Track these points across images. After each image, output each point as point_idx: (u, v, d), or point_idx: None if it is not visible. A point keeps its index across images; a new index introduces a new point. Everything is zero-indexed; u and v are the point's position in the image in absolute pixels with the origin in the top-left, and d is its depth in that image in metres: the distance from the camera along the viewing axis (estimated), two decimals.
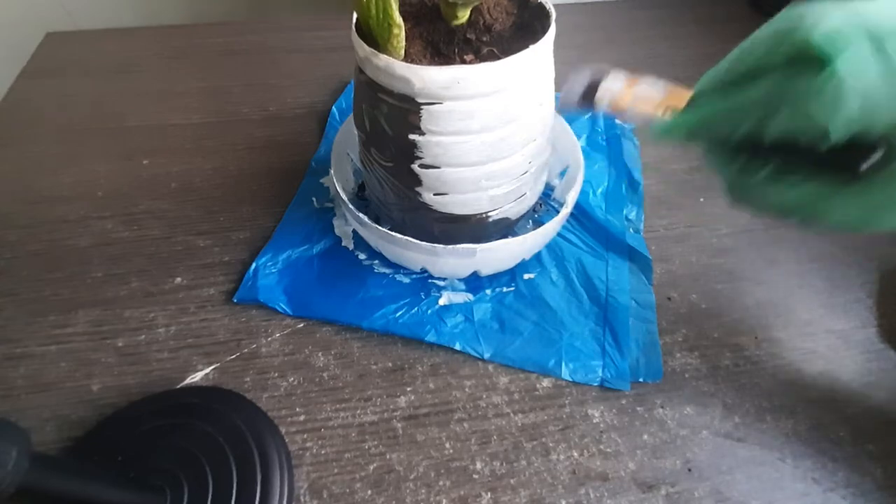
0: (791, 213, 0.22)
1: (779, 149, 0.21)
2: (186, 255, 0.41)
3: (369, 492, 0.31)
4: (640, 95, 0.27)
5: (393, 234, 0.34)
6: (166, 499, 0.28)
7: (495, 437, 0.33)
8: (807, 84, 0.19)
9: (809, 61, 0.19)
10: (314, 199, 0.45)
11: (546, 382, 0.35)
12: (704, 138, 0.24)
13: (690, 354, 0.37)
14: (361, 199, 0.42)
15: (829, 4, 0.19)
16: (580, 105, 0.31)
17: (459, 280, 0.39)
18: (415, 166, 0.31)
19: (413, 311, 0.37)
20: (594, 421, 0.33)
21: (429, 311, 0.37)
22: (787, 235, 0.44)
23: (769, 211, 0.23)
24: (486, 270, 0.38)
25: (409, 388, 0.35)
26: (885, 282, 0.40)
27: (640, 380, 0.35)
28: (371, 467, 0.31)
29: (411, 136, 0.30)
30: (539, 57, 0.30)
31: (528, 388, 0.35)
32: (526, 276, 0.40)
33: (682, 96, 0.26)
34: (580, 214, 0.44)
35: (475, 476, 0.31)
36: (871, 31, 0.18)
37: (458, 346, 0.36)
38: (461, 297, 0.38)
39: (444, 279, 0.39)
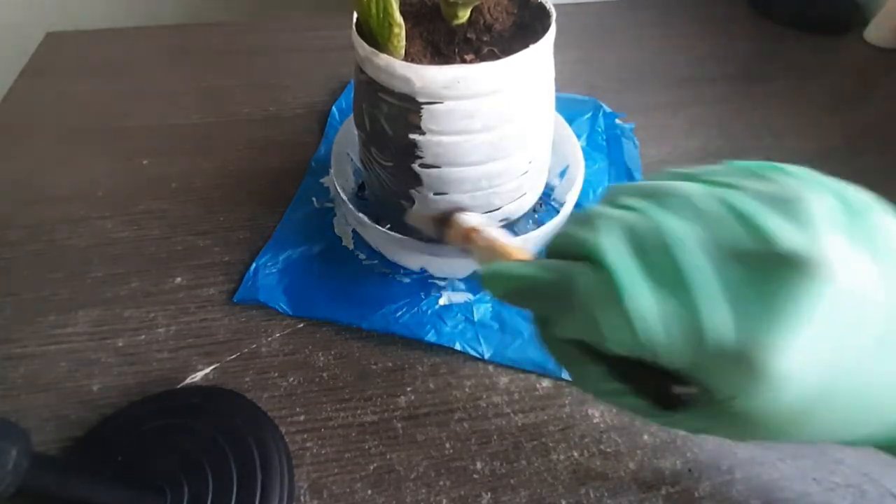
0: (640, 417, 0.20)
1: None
2: (186, 255, 0.41)
3: (369, 491, 0.30)
4: (491, 234, 0.26)
5: (393, 234, 0.34)
6: (166, 499, 0.28)
7: (495, 436, 0.33)
8: (589, 281, 0.17)
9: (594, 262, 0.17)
10: (314, 199, 0.45)
11: (546, 382, 0.35)
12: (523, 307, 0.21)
13: None
14: (361, 199, 0.42)
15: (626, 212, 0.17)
16: (431, 227, 0.30)
17: (459, 280, 0.39)
18: (415, 166, 0.31)
19: (413, 311, 0.37)
20: (594, 421, 0.33)
21: (429, 311, 0.37)
22: None
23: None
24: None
25: (409, 388, 0.35)
26: None
27: None
28: (371, 467, 0.31)
29: (411, 136, 0.30)
30: (539, 57, 0.30)
31: (528, 388, 0.35)
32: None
33: (520, 254, 0.24)
34: None
35: (475, 476, 0.31)
36: (650, 258, 0.16)
37: (458, 346, 0.36)
38: (461, 297, 0.38)
39: (444, 279, 0.39)
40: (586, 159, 0.40)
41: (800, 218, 0.15)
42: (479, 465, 0.32)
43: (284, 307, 0.38)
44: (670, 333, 0.15)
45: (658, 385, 0.18)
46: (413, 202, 0.34)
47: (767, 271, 0.14)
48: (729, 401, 0.15)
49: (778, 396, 0.14)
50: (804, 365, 0.14)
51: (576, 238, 0.18)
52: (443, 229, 0.29)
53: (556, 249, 0.19)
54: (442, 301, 0.38)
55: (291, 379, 0.35)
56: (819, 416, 0.15)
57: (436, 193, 0.33)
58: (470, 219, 0.27)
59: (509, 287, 0.20)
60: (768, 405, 0.15)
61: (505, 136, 0.31)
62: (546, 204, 0.43)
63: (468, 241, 0.26)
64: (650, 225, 0.16)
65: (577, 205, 0.43)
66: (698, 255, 0.15)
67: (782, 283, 0.14)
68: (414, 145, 0.30)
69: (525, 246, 0.24)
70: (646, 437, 0.33)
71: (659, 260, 0.16)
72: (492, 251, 0.25)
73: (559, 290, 0.18)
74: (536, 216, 0.42)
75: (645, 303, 0.16)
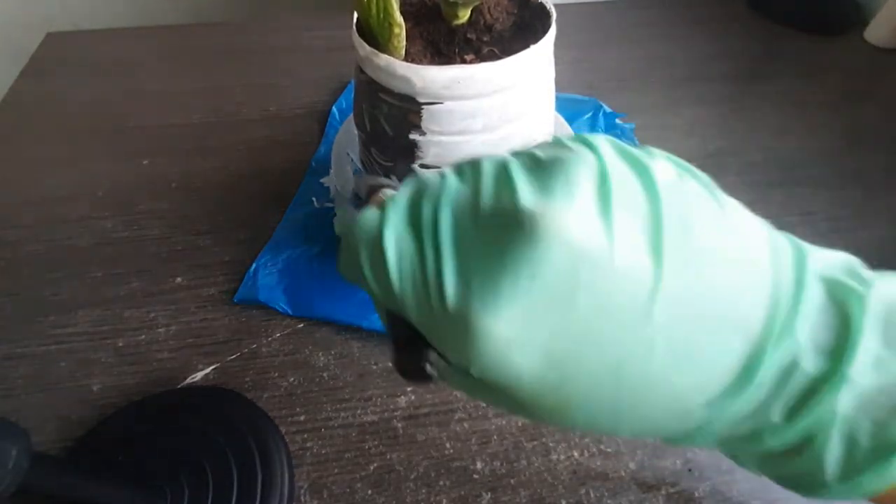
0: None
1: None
2: (186, 255, 0.41)
3: (369, 491, 0.30)
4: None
5: None
6: (166, 499, 0.28)
7: (495, 436, 0.33)
8: (370, 217, 0.17)
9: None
10: (314, 199, 0.45)
11: None
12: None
13: None
14: (361, 199, 0.42)
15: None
16: (355, 200, 0.29)
17: None
18: (415, 166, 0.31)
19: None
20: None
21: None
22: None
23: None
24: None
25: (409, 388, 0.35)
26: None
27: None
28: (371, 467, 0.31)
29: (412, 136, 0.30)
30: (539, 57, 0.30)
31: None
32: None
33: None
34: None
35: (475, 476, 0.31)
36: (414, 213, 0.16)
37: None
38: None
39: None
40: None
41: (550, 180, 0.14)
42: (479, 465, 0.32)
43: (284, 307, 0.38)
44: (406, 284, 0.15)
45: (418, 349, 0.17)
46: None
47: (497, 231, 0.14)
48: (463, 367, 0.15)
49: (503, 363, 0.14)
50: (524, 329, 0.13)
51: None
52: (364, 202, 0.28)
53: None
54: None
55: (291, 379, 0.35)
56: (569, 398, 0.14)
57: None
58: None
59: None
60: (500, 373, 0.14)
61: (505, 136, 0.31)
62: None
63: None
64: (435, 184, 0.16)
65: None
66: (447, 213, 0.15)
67: (508, 242, 0.14)
68: (414, 145, 0.30)
69: None
70: None
71: (424, 215, 0.16)
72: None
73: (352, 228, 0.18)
74: None
75: (397, 246, 0.16)
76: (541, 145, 0.17)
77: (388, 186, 0.27)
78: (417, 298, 0.15)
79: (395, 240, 0.16)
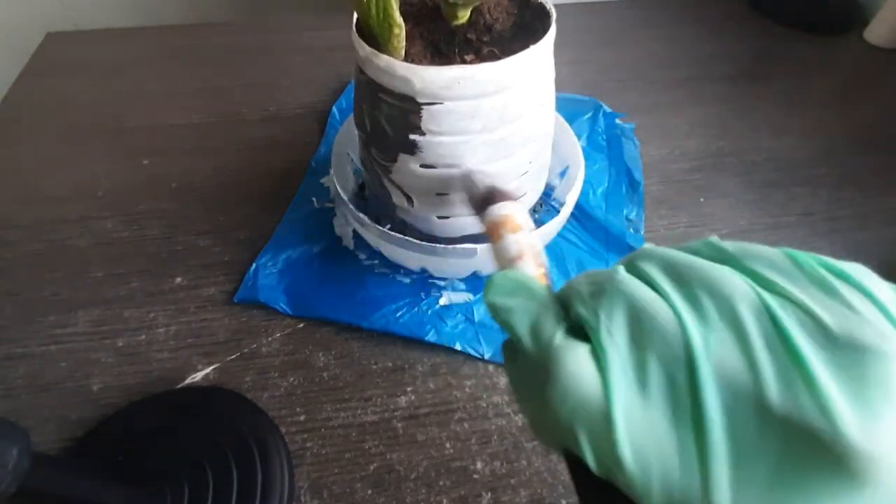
0: None
1: None
2: (186, 255, 0.41)
3: (369, 491, 0.31)
4: (525, 239, 0.23)
5: (393, 234, 0.34)
6: (166, 499, 0.28)
7: (496, 436, 0.33)
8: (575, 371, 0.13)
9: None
10: (314, 199, 0.45)
11: None
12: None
13: None
14: (361, 199, 0.42)
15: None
16: (472, 201, 0.27)
17: (459, 280, 0.39)
18: (415, 166, 0.31)
19: (413, 311, 0.37)
20: None
21: (429, 311, 0.37)
22: (788, 235, 0.44)
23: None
24: (486, 270, 0.38)
25: (409, 388, 0.35)
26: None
27: None
28: (371, 467, 0.31)
29: (412, 136, 0.30)
30: (539, 57, 0.30)
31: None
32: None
33: (541, 275, 0.21)
34: (580, 214, 0.44)
35: (475, 476, 0.31)
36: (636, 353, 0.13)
37: (458, 346, 0.36)
38: (461, 297, 0.38)
39: (444, 279, 0.39)
40: (586, 159, 0.40)
41: (867, 388, 0.10)
42: (479, 465, 0.32)
43: (284, 307, 0.38)
44: (650, 476, 0.12)
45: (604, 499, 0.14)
46: (413, 202, 0.34)
47: (796, 444, 0.11)
48: None
49: None
50: None
51: (574, 293, 0.15)
52: (483, 209, 0.27)
53: (563, 299, 0.16)
54: (442, 301, 0.38)
55: (291, 379, 0.35)
56: None
57: (436, 193, 0.33)
58: (510, 209, 0.24)
59: (496, 312, 0.17)
60: None
61: (505, 136, 0.31)
62: (546, 204, 0.43)
63: (493, 233, 0.24)
64: (671, 326, 0.12)
65: (577, 205, 0.43)
66: (712, 394, 0.12)
67: (815, 473, 0.11)
68: (414, 145, 0.30)
69: (544, 270, 0.21)
70: None
71: (677, 389, 0.12)
72: (504, 258, 0.22)
73: (536, 357, 0.15)
74: (536, 216, 0.42)
75: (629, 422, 0.12)
76: (781, 261, 0.13)
77: (509, 197, 0.25)
78: (665, 494, 0.12)
79: (625, 414, 0.12)
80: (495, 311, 0.17)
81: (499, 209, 0.24)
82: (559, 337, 0.14)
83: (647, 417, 0.12)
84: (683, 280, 0.13)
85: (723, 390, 0.12)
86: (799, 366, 0.11)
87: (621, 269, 0.14)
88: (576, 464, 0.14)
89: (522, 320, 0.16)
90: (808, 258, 0.13)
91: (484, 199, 0.26)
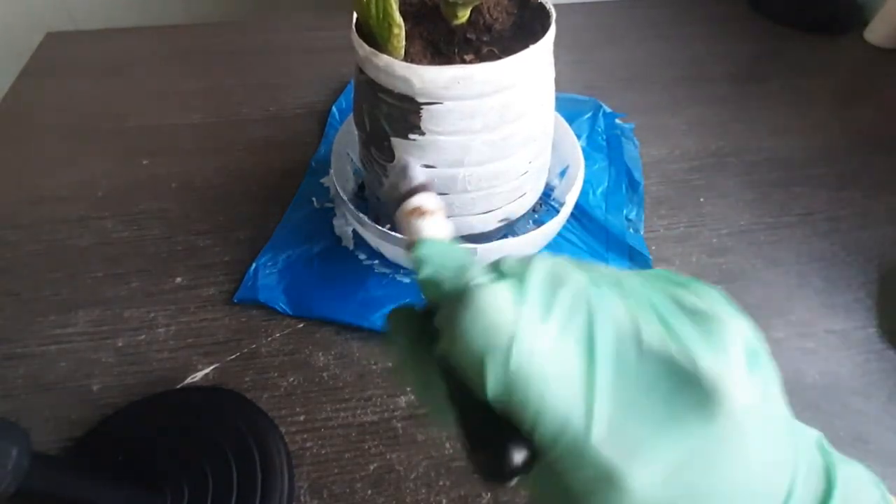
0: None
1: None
2: (186, 255, 0.41)
3: (369, 491, 0.30)
4: (434, 222, 0.23)
5: (393, 233, 0.34)
6: (166, 499, 0.28)
7: None
8: (498, 288, 0.15)
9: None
10: (314, 199, 0.45)
11: None
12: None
13: None
14: (361, 199, 0.42)
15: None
16: (392, 198, 0.28)
17: None
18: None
19: None
20: None
21: None
22: (788, 235, 0.44)
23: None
24: None
25: (409, 388, 0.35)
26: (885, 282, 0.40)
27: None
28: (371, 467, 0.31)
29: (411, 136, 0.30)
30: (539, 57, 0.30)
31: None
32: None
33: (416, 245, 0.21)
34: (580, 214, 0.44)
35: (475, 476, 0.31)
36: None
37: None
38: None
39: None
40: (586, 159, 0.40)
41: (716, 338, 0.14)
42: None
43: (284, 307, 0.38)
44: (551, 399, 0.14)
45: (493, 443, 0.15)
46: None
47: (666, 379, 0.14)
48: (577, 497, 0.14)
49: None
50: (664, 490, 0.13)
51: (503, 260, 0.17)
52: (399, 202, 0.27)
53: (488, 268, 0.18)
54: None
55: (291, 379, 0.35)
56: None
57: (436, 194, 0.33)
58: (422, 200, 0.26)
59: (423, 263, 0.18)
60: None
61: (505, 136, 0.31)
62: (546, 204, 0.43)
63: (407, 220, 0.25)
64: (581, 279, 0.15)
65: (577, 205, 0.43)
66: (608, 331, 0.14)
67: (679, 399, 0.13)
68: (414, 145, 0.30)
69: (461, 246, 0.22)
70: None
71: (577, 323, 0.14)
72: (412, 240, 0.22)
73: (456, 289, 0.16)
74: (536, 216, 0.42)
75: (541, 342, 0.14)
76: (657, 275, 0.16)
77: (426, 189, 0.26)
78: (554, 420, 0.14)
79: (530, 337, 0.14)
80: (421, 266, 0.18)
81: (412, 201, 0.25)
82: (482, 278, 0.16)
83: (548, 345, 0.14)
84: (590, 269, 0.16)
85: (612, 330, 0.14)
86: (665, 321, 0.14)
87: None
88: (465, 410, 0.16)
89: (449, 266, 0.18)
90: (680, 276, 0.17)
91: (404, 195, 0.26)
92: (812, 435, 0.16)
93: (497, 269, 0.16)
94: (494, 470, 0.15)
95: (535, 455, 0.14)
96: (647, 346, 0.14)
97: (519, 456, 0.14)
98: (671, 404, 0.13)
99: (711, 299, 0.16)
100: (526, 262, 0.16)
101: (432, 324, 0.17)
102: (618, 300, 0.15)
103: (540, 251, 0.41)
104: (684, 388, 0.13)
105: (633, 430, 0.13)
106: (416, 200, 0.25)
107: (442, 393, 0.17)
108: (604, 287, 0.15)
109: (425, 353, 0.18)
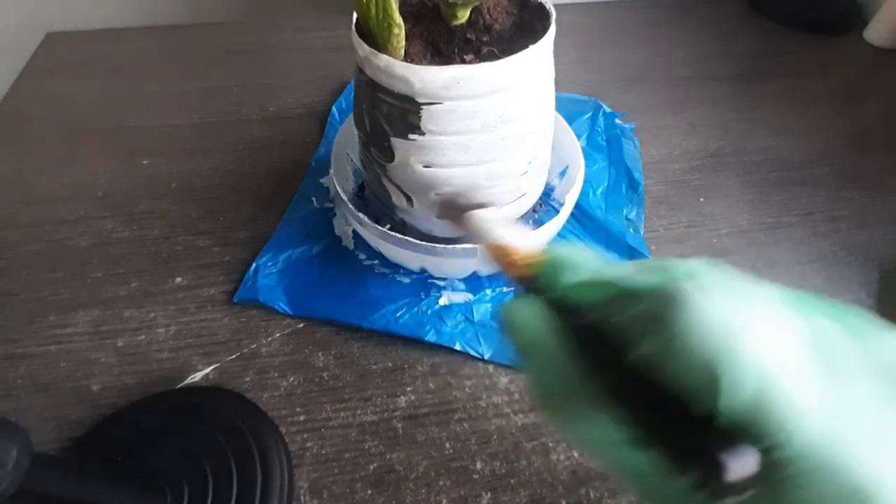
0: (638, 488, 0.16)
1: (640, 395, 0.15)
2: (186, 255, 0.41)
3: (369, 491, 0.31)
4: (509, 234, 0.23)
5: (393, 234, 0.34)
6: (166, 499, 0.28)
7: (495, 436, 0.33)
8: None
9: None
10: (314, 199, 0.45)
11: None
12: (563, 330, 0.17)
13: None
14: (361, 199, 0.42)
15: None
16: (445, 211, 0.28)
17: (459, 280, 0.39)
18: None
19: (413, 311, 0.37)
20: None
21: (429, 311, 0.37)
22: (788, 235, 0.44)
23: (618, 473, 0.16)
24: (486, 270, 0.38)
25: (409, 388, 0.35)
26: (885, 282, 0.40)
27: None
28: (371, 467, 0.31)
29: (411, 136, 0.30)
30: (539, 57, 0.30)
31: (528, 388, 0.35)
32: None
33: (537, 257, 0.20)
34: (580, 214, 0.44)
35: (475, 476, 0.31)
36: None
37: (458, 346, 0.36)
38: (461, 297, 0.38)
39: (444, 279, 0.39)
40: (586, 159, 0.40)
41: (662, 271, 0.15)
42: (479, 465, 0.32)
43: (284, 307, 0.38)
44: (799, 399, 0.13)
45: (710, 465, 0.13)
46: (412, 202, 0.34)
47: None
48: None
49: None
50: None
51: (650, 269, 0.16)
52: (459, 222, 0.28)
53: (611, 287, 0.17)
54: (442, 301, 0.38)
55: (291, 379, 0.35)
56: None
57: (436, 193, 0.33)
58: (487, 216, 0.26)
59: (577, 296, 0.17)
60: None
61: (505, 136, 0.31)
62: (546, 204, 0.43)
63: (483, 237, 0.25)
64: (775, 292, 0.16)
65: (577, 205, 0.43)
66: (839, 342, 0.15)
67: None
68: (413, 145, 0.30)
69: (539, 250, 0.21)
70: None
71: (799, 319, 0.15)
72: (501, 256, 0.22)
73: (651, 297, 0.15)
74: (536, 216, 0.42)
75: (789, 349, 0.14)
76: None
77: (479, 206, 0.26)
78: (809, 421, 0.13)
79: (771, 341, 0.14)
80: (563, 268, 0.18)
81: (474, 218, 0.25)
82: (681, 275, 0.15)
83: (794, 352, 0.13)
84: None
85: (839, 337, 0.15)
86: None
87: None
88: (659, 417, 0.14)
89: (597, 268, 0.18)
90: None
91: (457, 213, 0.26)
92: None
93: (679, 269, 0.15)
94: (714, 486, 0.12)
95: (766, 466, 0.13)
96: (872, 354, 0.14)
97: (744, 467, 0.12)
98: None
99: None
100: (702, 267, 0.16)
101: (582, 326, 0.16)
102: (822, 306, 0.16)
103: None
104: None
105: (882, 442, 0.13)
106: (485, 214, 0.25)
107: (605, 416, 0.15)
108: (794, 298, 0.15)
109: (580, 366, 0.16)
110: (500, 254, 0.22)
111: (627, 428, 0.15)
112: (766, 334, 0.13)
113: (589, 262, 0.18)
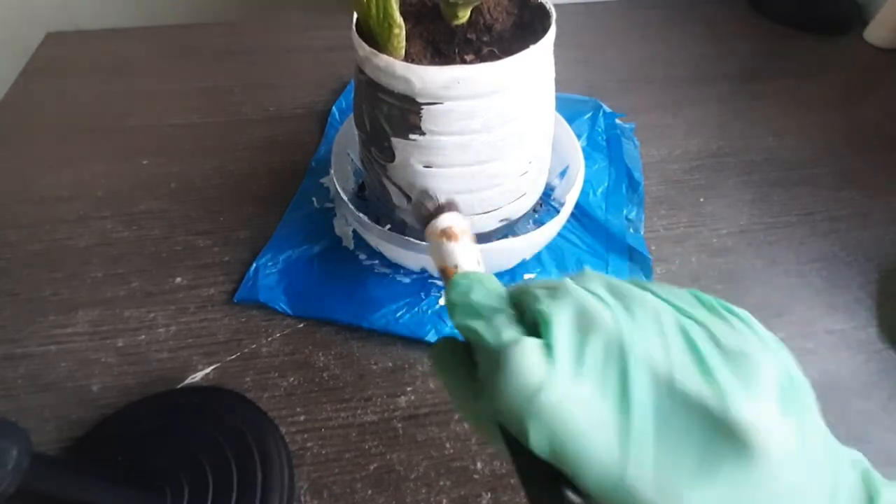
0: None
1: None
2: (186, 255, 0.41)
3: (369, 491, 0.30)
4: (452, 247, 0.24)
5: (393, 234, 0.34)
6: (166, 499, 0.28)
7: None
8: (521, 346, 0.16)
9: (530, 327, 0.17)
10: (314, 199, 0.45)
11: None
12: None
13: None
14: (361, 199, 0.42)
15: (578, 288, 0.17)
16: (418, 217, 0.29)
17: None
18: (567, 279, 0.31)
19: (413, 311, 0.37)
20: None
21: (429, 311, 0.37)
22: (787, 235, 0.44)
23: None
24: (485, 270, 0.38)
25: (409, 388, 0.35)
26: (885, 282, 0.40)
27: None
28: (371, 467, 0.31)
29: (412, 136, 0.30)
30: (539, 57, 0.30)
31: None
32: (526, 276, 0.40)
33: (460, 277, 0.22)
34: (580, 214, 0.44)
35: (475, 476, 0.31)
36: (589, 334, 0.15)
37: None
38: None
39: None
40: (586, 159, 0.40)
41: (750, 382, 0.14)
42: (479, 465, 0.32)
43: (284, 307, 0.38)
44: (589, 451, 0.14)
45: (549, 486, 0.16)
46: (412, 202, 0.34)
47: (701, 422, 0.14)
48: None
49: None
50: None
51: (531, 296, 0.18)
52: (426, 222, 0.28)
53: (515, 299, 0.19)
54: (442, 301, 0.38)
55: (291, 379, 0.35)
56: None
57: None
58: (451, 220, 0.26)
59: (456, 313, 0.20)
60: None
61: (505, 136, 0.31)
62: (546, 204, 0.43)
63: (437, 243, 0.25)
64: (610, 322, 0.15)
65: (577, 205, 0.43)
66: (643, 377, 0.15)
67: (715, 444, 0.14)
68: (414, 145, 0.30)
69: (484, 270, 0.23)
70: None
71: (611, 375, 0.15)
72: (444, 265, 0.24)
73: (491, 346, 0.17)
74: (536, 216, 0.42)
75: (575, 397, 0.15)
76: (689, 298, 0.17)
77: (452, 208, 0.26)
78: (596, 469, 0.14)
79: (565, 395, 0.15)
80: (455, 312, 0.20)
81: (441, 221, 0.26)
82: (514, 333, 0.17)
83: (583, 398, 0.15)
84: (621, 295, 0.17)
85: (647, 376, 0.15)
86: (701, 362, 0.15)
87: (569, 280, 0.18)
88: (520, 455, 0.16)
89: (481, 319, 0.18)
90: (708, 298, 0.17)
91: (431, 214, 0.27)
92: (854, 460, 0.16)
93: (531, 308, 0.17)
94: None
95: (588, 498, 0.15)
96: (682, 390, 0.14)
97: (576, 499, 0.15)
98: (708, 450, 0.14)
99: (742, 326, 0.16)
100: (554, 297, 0.17)
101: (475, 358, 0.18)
102: (652, 336, 0.15)
103: (540, 251, 0.41)
104: (719, 434, 0.14)
105: (672, 476, 0.14)
106: (445, 221, 0.25)
107: (495, 431, 0.17)
108: (637, 316, 0.16)
109: (474, 391, 0.18)
110: (441, 268, 0.24)
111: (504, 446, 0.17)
112: (559, 395, 0.15)
113: (476, 297, 0.19)
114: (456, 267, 0.23)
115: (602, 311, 0.16)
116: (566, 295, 0.17)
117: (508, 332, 0.17)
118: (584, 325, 0.16)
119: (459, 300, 0.20)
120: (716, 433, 0.14)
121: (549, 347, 0.15)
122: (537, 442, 0.15)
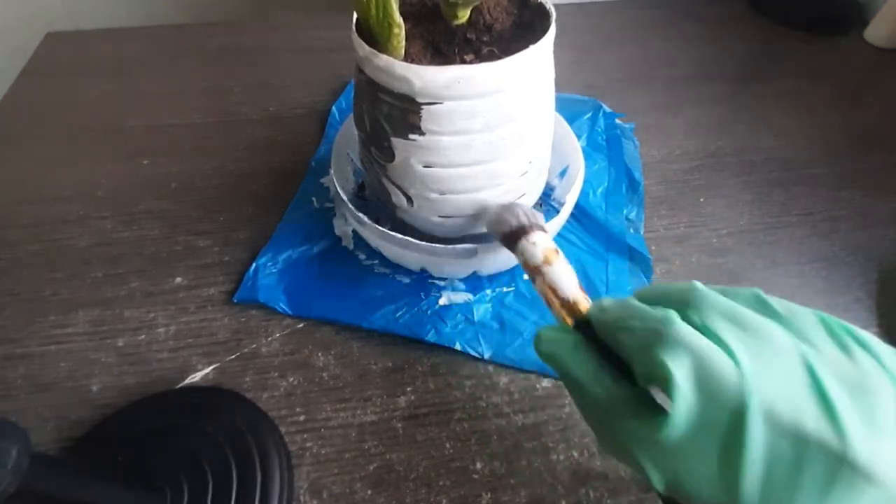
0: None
1: None
2: (186, 255, 0.41)
3: (369, 492, 0.30)
4: (558, 272, 0.25)
5: (393, 234, 0.34)
6: (166, 499, 0.28)
7: (495, 437, 0.33)
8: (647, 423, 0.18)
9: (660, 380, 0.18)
10: (314, 199, 0.45)
11: (546, 382, 0.35)
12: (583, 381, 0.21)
13: None
14: (361, 199, 0.42)
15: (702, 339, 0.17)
16: (500, 237, 0.29)
17: (459, 280, 0.39)
18: (675, 320, 0.31)
19: (413, 311, 0.37)
20: None
21: (429, 311, 0.37)
22: (787, 235, 0.44)
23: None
24: (486, 270, 0.38)
25: (409, 388, 0.35)
26: (885, 282, 0.40)
27: None
28: (371, 467, 0.31)
29: (411, 136, 0.30)
30: (539, 57, 0.30)
31: (528, 388, 0.35)
32: (526, 277, 0.40)
33: (581, 303, 0.24)
34: (580, 214, 0.44)
35: (475, 476, 0.31)
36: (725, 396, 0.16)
37: (458, 346, 0.36)
38: (461, 297, 0.38)
39: (444, 279, 0.39)
40: (586, 159, 0.40)
41: (873, 418, 0.15)
42: (479, 465, 0.32)
43: (284, 307, 0.38)
44: (703, 494, 0.16)
45: None
46: (412, 202, 0.34)
47: (828, 463, 0.15)
48: None
49: None
50: None
51: (646, 342, 0.18)
52: (512, 244, 0.28)
53: (607, 336, 0.21)
54: (442, 301, 0.38)
55: (291, 379, 0.35)
56: None
57: (436, 194, 0.33)
58: (543, 242, 0.26)
59: (558, 369, 0.21)
60: None
61: (505, 136, 0.31)
62: (546, 204, 0.43)
63: (533, 274, 0.25)
64: (728, 370, 0.16)
65: (577, 205, 0.43)
66: (761, 433, 0.15)
67: (838, 479, 0.15)
68: (414, 145, 0.30)
69: (585, 298, 0.24)
70: None
71: (722, 414, 0.16)
72: (546, 295, 0.24)
73: (608, 406, 0.19)
74: None
75: (697, 467, 0.16)
76: (812, 321, 0.18)
77: (539, 228, 0.26)
78: None
79: (683, 449, 0.17)
80: (553, 364, 0.21)
81: (536, 249, 0.26)
82: (621, 388, 0.19)
83: (700, 450, 0.16)
84: (743, 325, 0.17)
85: (762, 423, 0.15)
86: (823, 397, 0.15)
87: (677, 320, 0.18)
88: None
89: (583, 373, 0.20)
90: (835, 323, 0.18)
91: (514, 233, 0.27)
92: None
93: (654, 357, 0.17)
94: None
95: None
96: (803, 432, 0.15)
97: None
98: (828, 483, 0.15)
99: (863, 356, 0.16)
100: (675, 347, 0.17)
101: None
102: (777, 376, 0.16)
103: None
104: (841, 469, 0.15)
105: None
106: (539, 245, 0.25)
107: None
108: (762, 356, 0.16)
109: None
110: (549, 296, 0.24)
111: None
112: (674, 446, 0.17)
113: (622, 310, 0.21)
114: (567, 300, 0.24)
115: (721, 361, 0.16)
116: (679, 344, 0.17)
117: (610, 384, 0.19)
118: (703, 380, 0.16)
119: (615, 318, 0.21)
120: (838, 468, 0.15)
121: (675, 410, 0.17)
122: (656, 481, 0.17)
